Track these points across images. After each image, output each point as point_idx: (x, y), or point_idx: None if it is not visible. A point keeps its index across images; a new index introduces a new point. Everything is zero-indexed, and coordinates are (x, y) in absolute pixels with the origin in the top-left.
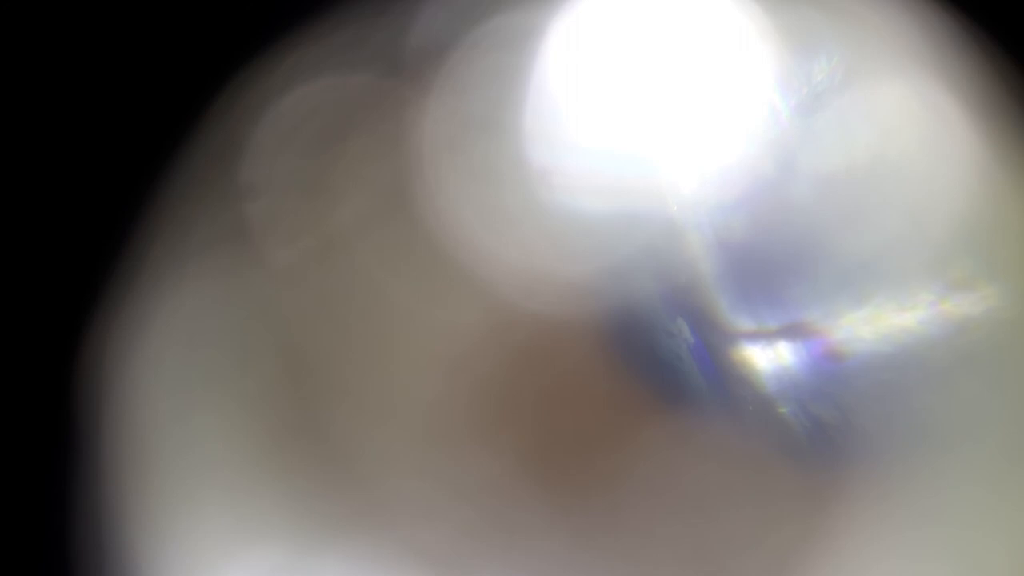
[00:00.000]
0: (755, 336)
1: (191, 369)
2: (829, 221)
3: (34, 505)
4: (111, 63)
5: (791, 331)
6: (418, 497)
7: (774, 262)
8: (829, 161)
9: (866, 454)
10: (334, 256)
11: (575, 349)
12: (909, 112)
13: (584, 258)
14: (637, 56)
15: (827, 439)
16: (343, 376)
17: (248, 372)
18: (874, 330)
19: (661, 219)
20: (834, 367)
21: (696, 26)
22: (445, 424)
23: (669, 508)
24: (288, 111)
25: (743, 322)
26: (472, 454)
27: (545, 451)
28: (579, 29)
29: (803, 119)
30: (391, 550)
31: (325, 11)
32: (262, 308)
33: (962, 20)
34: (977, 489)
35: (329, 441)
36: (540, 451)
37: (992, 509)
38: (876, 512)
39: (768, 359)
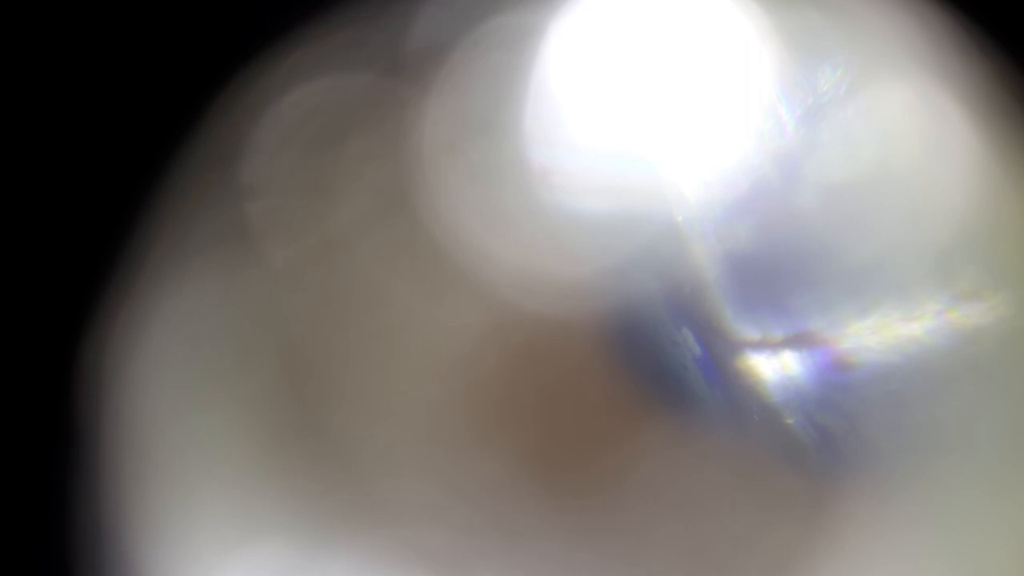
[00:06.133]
0: (761, 345)
1: (191, 369)
2: (834, 228)
3: (34, 505)
4: (111, 63)
5: (797, 340)
6: (418, 497)
7: (780, 270)
8: (834, 167)
9: (871, 460)
10: (334, 256)
11: (575, 350)
12: (912, 116)
13: (585, 259)
14: (638, 57)
15: (833, 448)
16: (343, 376)
17: (248, 372)
18: (881, 339)
19: (662, 219)
20: (840, 377)
21: (696, 26)
22: (445, 424)
23: (669, 508)
24: (288, 111)
25: (748, 331)
26: (472, 454)
27: (545, 451)
28: (579, 29)
29: (807, 124)
30: (391, 550)
31: (325, 11)
32: (262, 308)
33: (963, 21)
34: (979, 493)
35: (329, 441)
36: (540, 451)
37: (993, 512)
38: (877, 514)
39: (774, 369)
